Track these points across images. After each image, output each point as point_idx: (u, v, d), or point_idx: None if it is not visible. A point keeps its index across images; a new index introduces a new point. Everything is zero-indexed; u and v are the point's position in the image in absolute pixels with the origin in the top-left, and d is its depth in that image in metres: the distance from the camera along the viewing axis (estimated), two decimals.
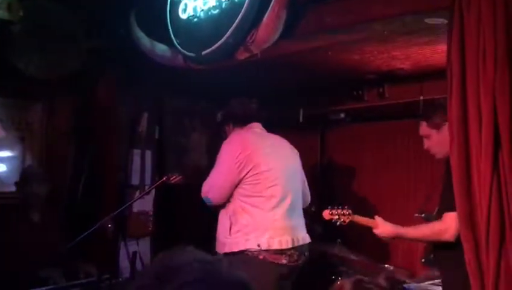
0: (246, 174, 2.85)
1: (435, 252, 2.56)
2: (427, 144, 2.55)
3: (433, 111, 2.51)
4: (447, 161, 2.35)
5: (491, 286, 1.82)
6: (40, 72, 3.36)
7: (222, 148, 2.99)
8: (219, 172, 2.93)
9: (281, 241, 2.80)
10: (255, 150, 2.88)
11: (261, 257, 2.77)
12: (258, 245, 2.78)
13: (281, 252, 2.80)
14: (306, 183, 3.16)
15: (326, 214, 2.73)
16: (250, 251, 2.78)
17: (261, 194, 2.85)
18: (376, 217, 2.61)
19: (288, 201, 2.90)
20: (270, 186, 2.86)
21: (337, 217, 2.67)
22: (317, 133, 4.44)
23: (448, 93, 2.00)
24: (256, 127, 3.06)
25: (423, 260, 2.75)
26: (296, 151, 3.13)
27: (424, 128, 2.54)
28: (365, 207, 4.18)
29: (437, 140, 2.49)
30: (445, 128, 2.29)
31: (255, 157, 2.86)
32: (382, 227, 2.55)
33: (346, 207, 2.70)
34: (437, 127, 2.48)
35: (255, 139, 2.98)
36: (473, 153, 1.90)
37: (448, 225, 2.31)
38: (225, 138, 3.11)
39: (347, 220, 2.66)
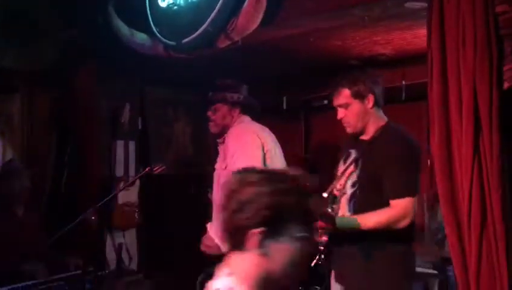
0: (265, 162, 2.80)
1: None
2: (343, 113, 2.33)
3: (359, 79, 2.30)
4: (372, 142, 2.27)
5: (473, 268, 1.84)
6: (17, 64, 3.29)
7: (235, 138, 2.82)
8: (247, 156, 2.73)
9: None
10: (264, 136, 2.87)
11: None
12: None
13: None
14: None
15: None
16: None
17: None
18: None
19: None
20: None
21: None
22: (301, 120, 4.44)
23: (429, 78, 2.00)
24: (248, 120, 3.00)
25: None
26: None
27: (345, 96, 2.31)
28: None
29: (357, 111, 2.30)
30: (369, 100, 2.26)
31: (268, 143, 2.86)
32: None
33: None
34: (361, 97, 2.28)
35: (257, 128, 2.93)
36: (454, 137, 1.92)
37: (405, 212, 2.16)
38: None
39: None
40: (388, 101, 3.59)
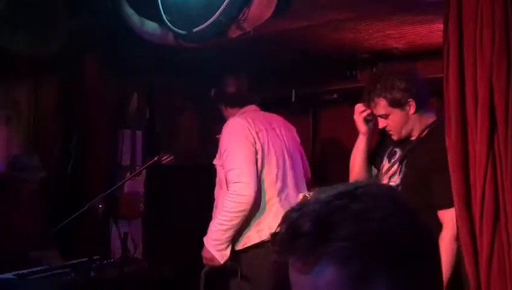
0: (257, 157, 2.69)
1: None
2: (385, 123, 2.19)
3: (395, 85, 2.13)
4: (419, 141, 2.15)
5: (484, 267, 1.82)
6: (25, 50, 3.27)
7: (226, 135, 2.75)
8: (237, 154, 2.65)
9: None
10: (258, 131, 2.76)
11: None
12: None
13: None
14: (306, 159, 3.08)
15: (301, 197, 2.51)
16: (265, 242, 2.61)
17: (268, 178, 2.72)
18: None
19: (290, 184, 2.81)
20: (275, 168, 2.75)
21: None
22: (309, 114, 4.41)
23: (445, 73, 1.97)
24: (252, 109, 2.94)
25: None
26: (292, 128, 3.05)
27: (382, 106, 2.15)
28: None
29: (398, 120, 2.16)
30: (411, 106, 2.12)
31: (261, 138, 2.75)
32: None
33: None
34: (400, 105, 2.13)
35: (253, 121, 2.82)
36: (470, 134, 1.89)
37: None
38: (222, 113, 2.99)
39: None
40: None
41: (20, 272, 2.69)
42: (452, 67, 1.93)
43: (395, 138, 2.24)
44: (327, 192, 0.75)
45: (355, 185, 0.76)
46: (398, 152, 2.25)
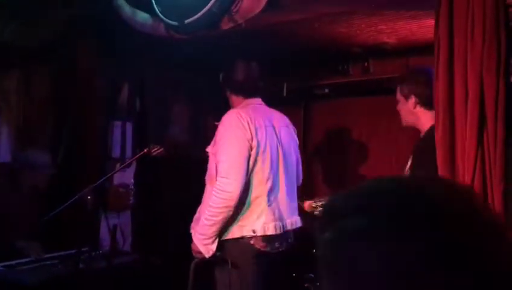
0: (250, 153, 2.61)
1: None
2: (398, 107, 2.56)
3: (405, 79, 2.50)
4: (422, 138, 2.39)
5: None
6: (16, 39, 3.24)
7: (225, 125, 2.65)
8: (231, 148, 2.57)
9: (275, 226, 2.65)
10: (258, 127, 2.66)
11: (252, 242, 2.63)
12: (253, 231, 2.61)
13: (268, 239, 2.64)
14: (300, 163, 3.00)
15: (307, 205, 2.76)
16: (245, 238, 2.62)
17: (259, 176, 2.65)
18: None
19: (281, 184, 2.74)
20: (268, 168, 2.66)
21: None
22: (301, 108, 4.40)
23: (435, 68, 1.98)
24: (256, 102, 2.83)
25: None
26: (293, 128, 2.97)
27: (397, 92, 2.53)
28: (349, 183, 4.20)
29: (402, 109, 2.50)
30: (410, 102, 2.41)
31: (259, 135, 2.65)
32: None
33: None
34: (405, 96, 2.46)
35: (255, 116, 2.70)
36: (458, 129, 1.90)
37: None
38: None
39: None
40: (390, 91, 3.57)
41: (6, 263, 2.68)
42: (442, 62, 1.93)
43: (403, 124, 2.55)
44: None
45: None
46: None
